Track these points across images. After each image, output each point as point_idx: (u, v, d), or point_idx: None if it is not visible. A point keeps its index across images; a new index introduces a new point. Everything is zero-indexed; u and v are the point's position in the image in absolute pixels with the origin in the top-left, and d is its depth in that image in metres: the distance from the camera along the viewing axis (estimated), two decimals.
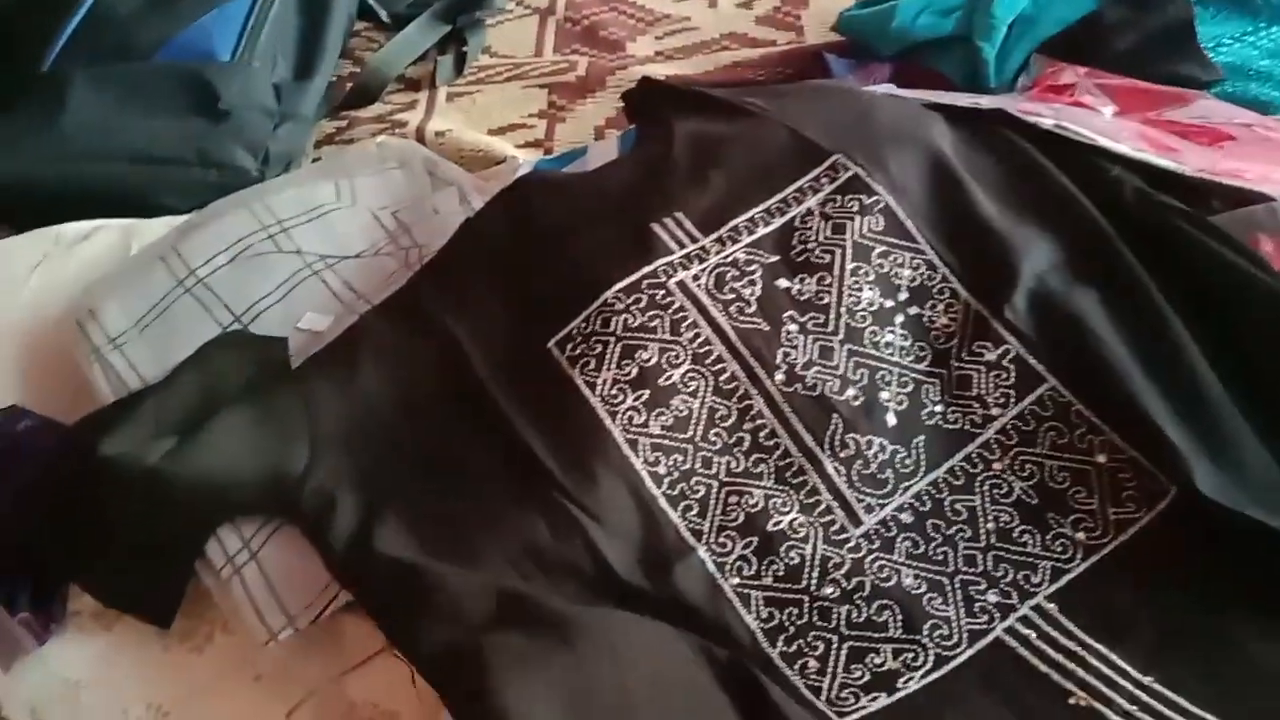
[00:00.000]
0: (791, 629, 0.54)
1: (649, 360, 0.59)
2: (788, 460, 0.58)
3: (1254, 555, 0.53)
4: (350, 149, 0.93)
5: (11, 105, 0.90)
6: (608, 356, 0.59)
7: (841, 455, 0.58)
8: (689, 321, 0.61)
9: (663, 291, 0.62)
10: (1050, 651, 0.52)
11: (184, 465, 0.59)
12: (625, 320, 0.60)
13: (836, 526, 0.56)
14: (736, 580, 0.55)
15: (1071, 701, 0.50)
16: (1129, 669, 0.51)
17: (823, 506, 0.57)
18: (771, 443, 0.58)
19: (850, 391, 0.59)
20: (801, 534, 0.56)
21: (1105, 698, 0.50)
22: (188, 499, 0.58)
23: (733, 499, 0.57)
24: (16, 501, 0.63)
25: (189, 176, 0.87)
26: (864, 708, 0.52)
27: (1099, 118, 0.75)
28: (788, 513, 0.56)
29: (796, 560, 0.55)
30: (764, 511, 0.56)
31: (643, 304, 0.61)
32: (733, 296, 0.62)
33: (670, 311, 0.61)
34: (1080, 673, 0.51)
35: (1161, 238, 0.63)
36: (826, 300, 0.62)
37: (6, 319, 0.75)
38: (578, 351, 0.60)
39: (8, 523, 0.63)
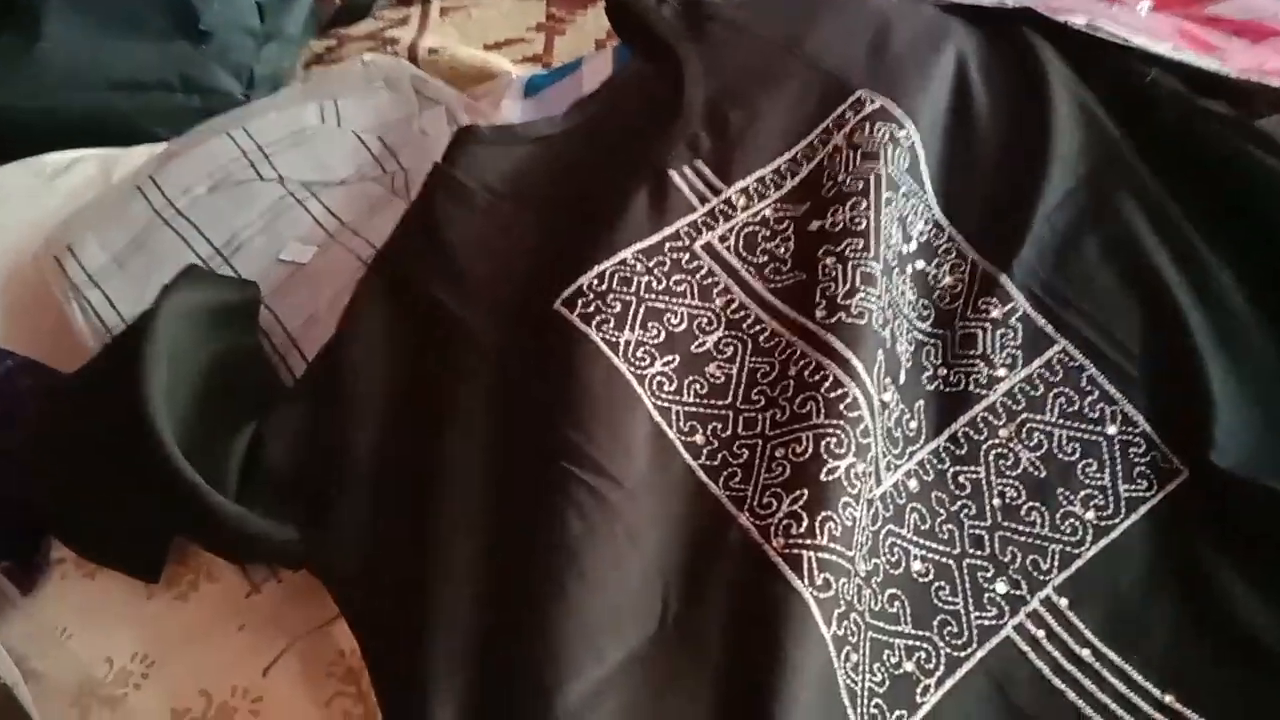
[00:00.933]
0: (843, 604, 0.47)
1: (678, 325, 0.54)
2: (840, 391, 0.51)
3: (1269, 535, 0.50)
4: (335, 68, 0.90)
5: None
6: (629, 318, 0.54)
7: (881, 398, 0.52)
8: (720, 287, 0.56)
9: (688, 255, 0.56)
10: (1063, 660, 0.49)
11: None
12: (648, 282, 0.55)
13: (871, 480, 0.51)
14: (782, 541, 0.48)
15: None
16: (1146, 685, 0.48)
17: (872, 453, 0.50)
18: (818, 376, 0.51)
19: (886, 331, 0.54)
20: (854, 490, 0.49)
21: None
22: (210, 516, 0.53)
23: (779, 451, 0.50)
24: None
25: (172, 102, 0.84)
26: None
27: (1135, 15, 0.69)
28: (844, 456, 0.49)
29: (849, 523, 0.48)
30: (815, 456, 0.49)
31: (666, 267, 0.56)
32: (766, 259, 0.57)
33: (698, 276, 0.56)
34: (1096, 692, 0.48)
35: (1201, 146, 0.59)
36: (864, 225, 0.55)
37: None
38: (591, 309, 0.54)
39: None
